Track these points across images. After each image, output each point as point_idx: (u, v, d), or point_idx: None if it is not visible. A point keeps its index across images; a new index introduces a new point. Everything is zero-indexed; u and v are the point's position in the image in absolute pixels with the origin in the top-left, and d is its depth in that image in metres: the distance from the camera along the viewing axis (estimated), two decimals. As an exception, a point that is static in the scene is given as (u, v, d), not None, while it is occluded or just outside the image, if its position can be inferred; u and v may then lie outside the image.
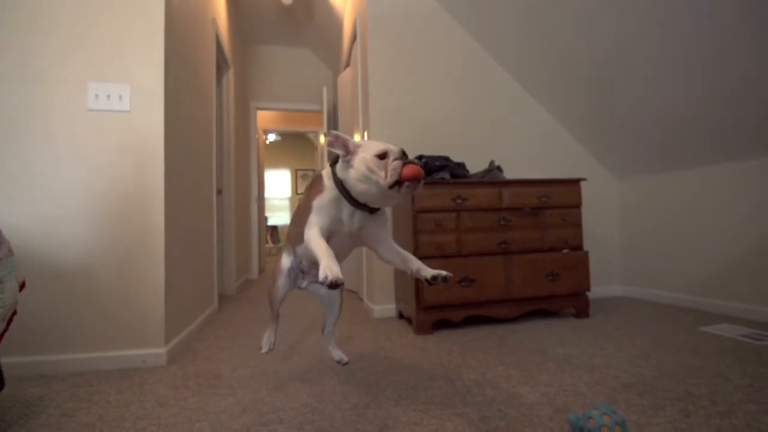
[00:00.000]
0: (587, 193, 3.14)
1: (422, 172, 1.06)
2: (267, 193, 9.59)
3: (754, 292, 2.30)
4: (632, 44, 2.24)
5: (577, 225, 2.48)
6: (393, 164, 1.05)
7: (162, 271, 1.85)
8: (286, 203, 10.40)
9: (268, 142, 9.35)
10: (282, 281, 1.45)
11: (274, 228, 9.79)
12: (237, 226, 4.12)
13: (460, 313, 2.28)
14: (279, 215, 10.23)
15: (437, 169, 2.45)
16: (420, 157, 2.49)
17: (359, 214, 1.17)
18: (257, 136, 5.37)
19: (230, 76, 3.85)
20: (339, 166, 1.17)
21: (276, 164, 10.19)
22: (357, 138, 3.39)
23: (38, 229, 1.75)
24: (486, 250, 2.34)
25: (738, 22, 1.79)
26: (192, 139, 2.40)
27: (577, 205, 2.48)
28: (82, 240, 1.78)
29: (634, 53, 2.28)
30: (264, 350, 1.42)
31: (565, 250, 2.46)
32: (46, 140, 1.77)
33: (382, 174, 1.06)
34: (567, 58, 2.64)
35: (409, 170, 1.04)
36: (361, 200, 1.13)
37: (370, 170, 1.07)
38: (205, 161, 2.71)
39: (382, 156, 1.07)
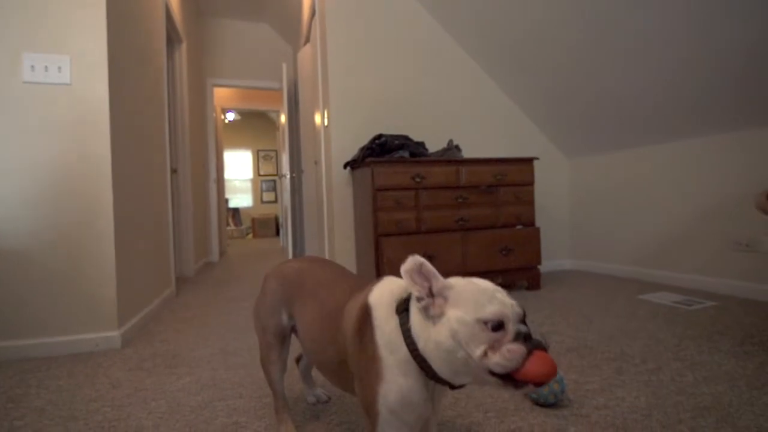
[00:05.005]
0: (539, 171, 3.27)
1: (555, 369, 0.60)
2: (228, 175, 9.32)
3: (687, 261, 2.50)
4: (583, 29, 2.32)
5: (530, 202, 2.59)
6: (512, 348, 0.59)
7: (112, 252, 1.79)
8: (248, 185, 10.16)
9: (226, 121, 9.05)
10: (275, 348, 1.00)
11: (236, 210, 9.57)
12: (195, 208, 4.01)
13: (420, 289, 2.34)
14: (241, 197, 10.00)
15: (397, 148, 2.47)
16: (380, 136, 2.50)
17: (439, 389, 0.74)
18: (215, 114, 5.18)
19: (183, 51, 3.68)
20: (413, 312, 0.69)
21: (236, 145, 9.89)
22: (320, 118, 3.33)
23: (-28, 211, 1.64)
24: (444, 227, 2.41)
25: (676, 13, 1.90)
26: (141, 114, 2.29)
27: (530, 183, 2.58)
28: (23, 221, 1.69)
29: (585, 38, 2.36)
30: None
31: (518, 227, 2.57)
32: (-24, 115, 1.65)
33: (481, 351, 0.60)
34: (524, 40, 2.70)
35: (538, 366, 0.59)
36: (441, 375, 0.66)
37: (465, 342, 0.61)
38: (156, 138, 2.60)
39: (495, 326, 0.60)
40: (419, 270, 0.65)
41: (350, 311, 0.77)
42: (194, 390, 1.32)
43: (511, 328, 0.61)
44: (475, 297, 0.64)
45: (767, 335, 1.61)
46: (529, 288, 2.60)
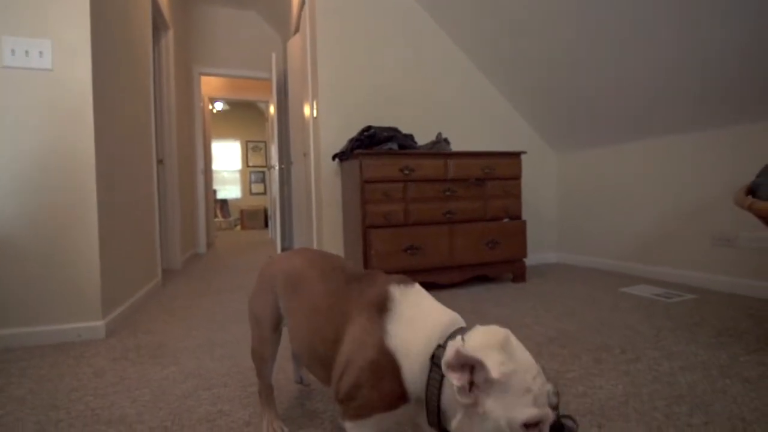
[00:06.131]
0: (527, 165, 3.30)
1: None
2: (216, 166, 9.21)
3: (669, 256, 2.55)
4: (574, 24, 2.34)
5: (517, 196, 2.61)
6: None
7: (96, 241, 1.77)
8: (237, 176, 10.06)
9: (215, 111, 8.93)
10: (267, 340, 1.01)
11: (224, 202, 9.48)
12: (182, 198, 3.96)
13: (407, 281, 2.36)
14: (229, 188, 9.90)
15: (386, 140, 2.47)
16: (369, 128, 2.50)
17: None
18: (202, 104, 5.11)
19: (169, 38, 3.61)
20: (449, 392, 0.64)
21: (225, 135, 9.77)
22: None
23: (-50, 198, 1.60)
24: (431, 220, 2.42)
25: (668, 11, 1.92)
26: (126, 102, 2.26)
27: (518, 177, 2.61)
28: (3, 209, 1.66)
29: (576, 34, 2.37)
30: None
31: (505, 220, 2.60)
32: (-47, 99, 1.60)
33: None
34: (514, 34, 2.71)
35: None
36: None
37: None
38: (142, 127, 2.57)
39: (529, 424, 0.60)
40: (456, 355, 0.59)
41: (359, 346, 0.73)
42: (179, 379, 1.32)
43: (547, 427, 0.60)
44: (519, 395, 0.60)
45: (743, 327, 1.65)
46: (514, 280, 2.63)
